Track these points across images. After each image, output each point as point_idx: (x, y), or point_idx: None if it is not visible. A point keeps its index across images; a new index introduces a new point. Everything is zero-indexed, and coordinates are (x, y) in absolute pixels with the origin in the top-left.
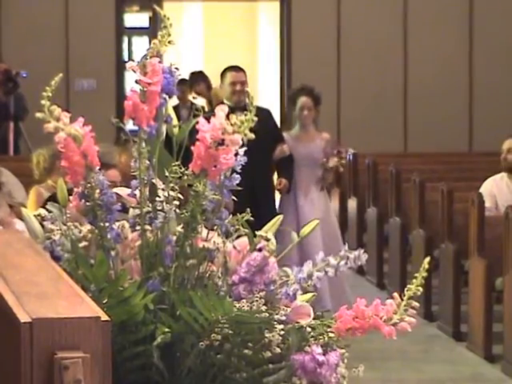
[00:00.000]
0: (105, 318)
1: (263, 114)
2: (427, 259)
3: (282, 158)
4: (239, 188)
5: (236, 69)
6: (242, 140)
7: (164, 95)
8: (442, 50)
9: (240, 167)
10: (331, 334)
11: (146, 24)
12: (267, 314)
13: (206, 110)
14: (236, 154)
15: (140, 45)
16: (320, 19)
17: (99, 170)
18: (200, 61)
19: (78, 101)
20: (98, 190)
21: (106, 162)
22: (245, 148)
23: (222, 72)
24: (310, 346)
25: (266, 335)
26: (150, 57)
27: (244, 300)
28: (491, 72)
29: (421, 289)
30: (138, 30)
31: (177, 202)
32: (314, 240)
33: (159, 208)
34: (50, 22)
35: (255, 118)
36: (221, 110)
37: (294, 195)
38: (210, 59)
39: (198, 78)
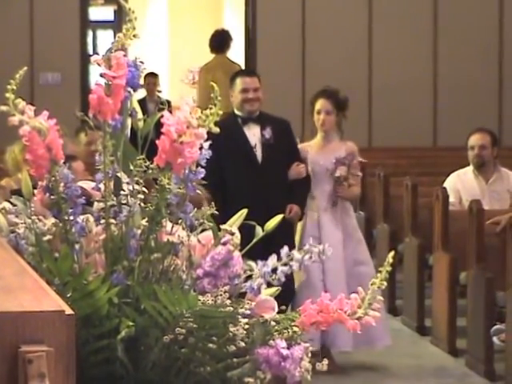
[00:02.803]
0: (69, 311)
1: (281, 126)
2: (391, 253)
3: (297, 179)
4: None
5: (248, 73)
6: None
7: (129, 89)
8: (407, 44)
9: (252, 187)
10: (295, 328)
11: (110, 17)
12: (231, 308)
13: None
14: (201, 148)
15: (105, 38)
16: (285, 13)
17: (64, 163)
18: (165, 54)
19: (43, 94)
20: (62, 184)
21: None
22: (257, 164)
23: (231, 77)
24: (274, 340)
25: (231, 329)
26: (115, 50)
27: (208, 294)
28: (455, 67)
29: (385, 283)
30: (103, 24)
31: (141, 196)
32: (335, 265)
33: (124, 202)
34: (14, 15)
35: (269, 131)
36: (185, 104)
37: (318, 216)
38: (175, 52)
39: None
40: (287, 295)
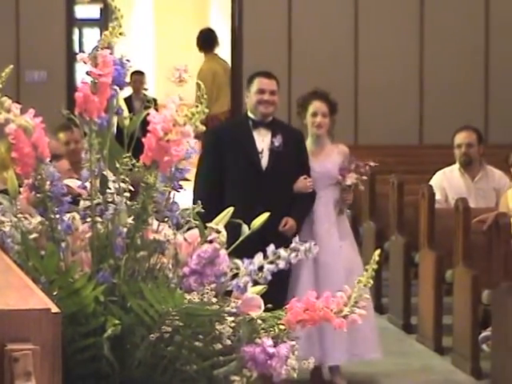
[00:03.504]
0: (55, 309)
1: (293, 135)
2: (377, 251)
3: (302, 193)
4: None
5: (266, 75)
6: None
7: (115, 87)
8: (393, 43)
9: (253, 198)
10: (282, 326)
11: (97, 15)
12: (218, 306)
13: None
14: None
15: (91, 36)
16: (271, 13)
17: (50, 161)
18: (151, 52)
19: (29, 92)
20: (48, 182)
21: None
22: (260, 171)
23: (248, 78)
24: (260, 338)
25: (217, 327)
26: (101, 48)
27: (195, 292)
28: (441, 66)
29: (371, 281)
30: (89, 22)
31: (127, 194)
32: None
33: (110, 200)
34: (0, 13)
35: (280, 138)
36: (172, 102)
37: (312, 223)
38: (161, 50)
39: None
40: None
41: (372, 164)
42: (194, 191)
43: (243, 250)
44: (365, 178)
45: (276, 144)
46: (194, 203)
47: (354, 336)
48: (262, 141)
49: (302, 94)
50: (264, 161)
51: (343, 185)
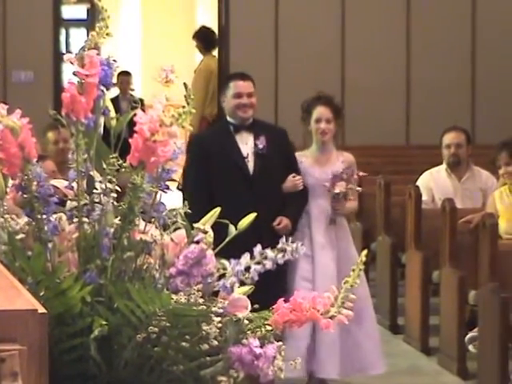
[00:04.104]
0: (42, 310)
1: (276, 134)
2: (364, 252)
3: (293, 193)
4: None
5: (241, 76)
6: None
7: (102, 87)
8: (380, 43)
9: (242, 201)
10: (268, 327)
11: (83, 16)
12: (204, 307)
13: None
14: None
15: (78, 37)
16: (258, 11)
17: (36, 161)
18: (138, 52)
19: (16, 92)
20: (35, 183)
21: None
22: (248, 176)
23: (224, 82)
24: (247, 338)
25: (204, 328)
26: (88, 49)
27: (181, 292)
28: (428, 66)
29: (358, 281)
30: (76, 22)
31: (114, 195)
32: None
33: (97, 200)
34: None
35: (263, 140)
36: (158, 103)
37: (310, 233)
38: (148, 51)
39: None
40: None
41: (360, 174)
42: (189, 207)
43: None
44: (358, 189)
45: (260, 146)
46: (191, 220)
47: (357, 352)
48: (246, 144)
49: (305, 99)
50: (251, 165)
51: (332, 192)
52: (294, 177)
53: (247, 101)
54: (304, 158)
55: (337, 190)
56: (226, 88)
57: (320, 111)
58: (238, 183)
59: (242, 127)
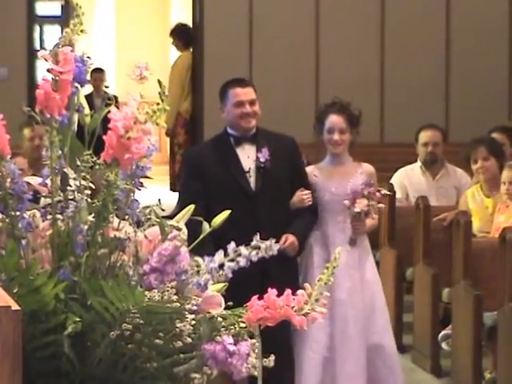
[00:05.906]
0: (15, 307)
1: (282, 144)
2: (338, 249)
3: (301, 209)
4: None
5: (239, 83)
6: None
7: (76, 84)
8: (354, 40)
9: (246, 224)
10: (242, 324)
11: (58, 12)
12: (178, 304)
13: None
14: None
15: (52, 33)
16: (233, 9)
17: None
18: (112, 49)
19: None
20: (9, 179)
21: None
22: (250, 193)
23: (220, 90)
24: (221, 335)
25: (177, 325)
26: (62, 46)
27: (155, 290)
28: (402, 63)
29: (332, 279)
30: (50, 19)
31: (88, 192)
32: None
33: (70, 197)
34: None
35: (266, 152)
36: (133, 100)
37: (328, 253)
38: (122, 48)
39: None
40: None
41: (384, 192)
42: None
43: (243, 283)
44: (381, 205)
45: (262, 160)
46: (189, 241)
47: None
48: (248, 157)
49: (319, 106)
50: (253, 181)
51: (352, 211)
52: (301, 191)
53: (250, 109)
54: (318, 170)
55: (357, 209)
56: (225, 97)
57: (333, 121)
58: (238, 201)
59: (243, 139)
